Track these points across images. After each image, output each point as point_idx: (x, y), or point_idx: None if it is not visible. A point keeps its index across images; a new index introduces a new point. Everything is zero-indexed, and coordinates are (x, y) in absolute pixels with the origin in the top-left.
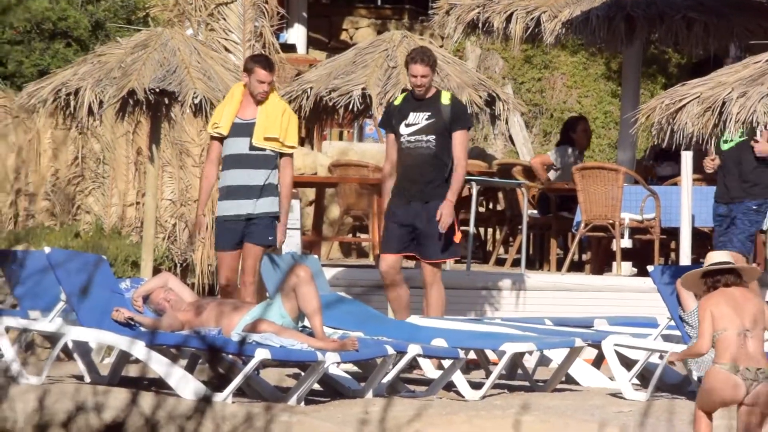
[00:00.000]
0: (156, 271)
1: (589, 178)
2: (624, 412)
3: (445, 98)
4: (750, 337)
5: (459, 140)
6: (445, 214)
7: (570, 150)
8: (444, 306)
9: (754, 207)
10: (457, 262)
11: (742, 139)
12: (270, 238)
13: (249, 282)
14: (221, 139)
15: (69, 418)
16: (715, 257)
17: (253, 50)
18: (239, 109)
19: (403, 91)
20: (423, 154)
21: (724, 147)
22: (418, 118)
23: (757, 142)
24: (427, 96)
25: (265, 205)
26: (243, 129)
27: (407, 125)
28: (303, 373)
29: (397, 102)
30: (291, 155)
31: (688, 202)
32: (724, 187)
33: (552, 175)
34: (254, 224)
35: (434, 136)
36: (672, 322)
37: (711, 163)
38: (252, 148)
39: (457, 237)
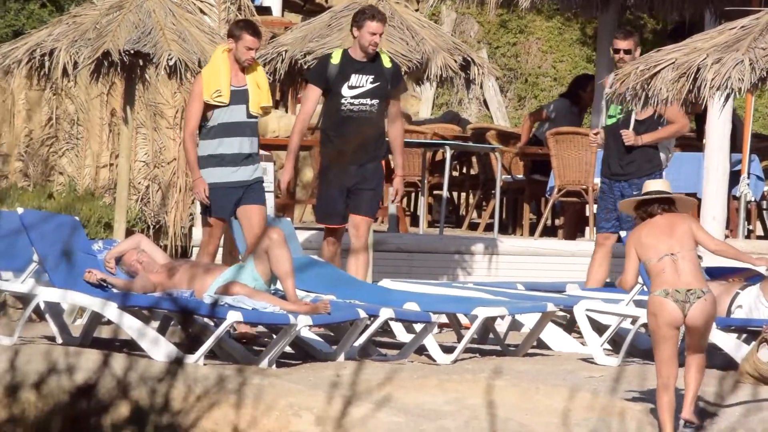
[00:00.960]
0: (129, 232)
1: (562, 143)
2: (595, 377)
3: (387, 61)
4: (678, 259)
5: (398, 110)
6: (400, 191)
7: (569, 105)
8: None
9: (635, 194)
10: (430, 225)
11: (621, 115)
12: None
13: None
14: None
15: (41, 379)
16: (651, 185)
17: (228, 12)
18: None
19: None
20: (365, 118)
21: (609, 122)
22: (362, 81)
23: (627, 129)
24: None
25: (260, 170)
26: (239, 96)
27: (350, 87)
28: (275, 336)
29: (334, 60)
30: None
31: None
32: (605, 163)
33: (541, 129)
34: (252, 189)
35: (378, 101)
36: (645, 288)
37: (594, 137)
38: (249, 115)
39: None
